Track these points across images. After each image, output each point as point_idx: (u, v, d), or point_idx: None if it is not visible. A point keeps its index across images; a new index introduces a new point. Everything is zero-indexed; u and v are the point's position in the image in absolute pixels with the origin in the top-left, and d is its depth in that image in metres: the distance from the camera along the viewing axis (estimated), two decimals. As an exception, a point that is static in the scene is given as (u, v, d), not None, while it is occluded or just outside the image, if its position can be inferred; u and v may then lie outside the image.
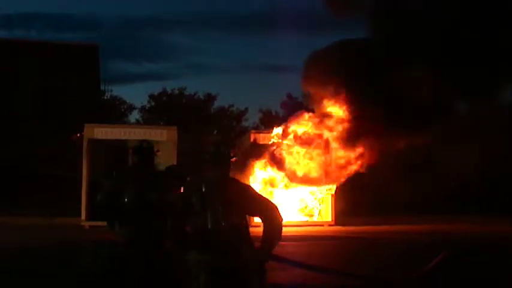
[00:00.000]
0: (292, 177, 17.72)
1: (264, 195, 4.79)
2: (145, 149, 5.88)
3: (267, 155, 18.02)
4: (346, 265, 8.79)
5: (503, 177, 23.15)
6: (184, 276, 4.75)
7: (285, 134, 18.28)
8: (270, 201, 4.71)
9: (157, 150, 6.15)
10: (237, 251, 4.46)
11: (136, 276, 5.33)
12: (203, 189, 4.51)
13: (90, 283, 7.38)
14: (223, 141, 21.81)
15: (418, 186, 23.25)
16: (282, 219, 4.56)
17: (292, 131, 18.15)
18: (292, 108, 24.92)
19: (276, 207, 4.63)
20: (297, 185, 18.10)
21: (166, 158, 14.62)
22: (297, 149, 17.87)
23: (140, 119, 41.91)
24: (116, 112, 40.30)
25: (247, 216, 4.61)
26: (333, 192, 18.55)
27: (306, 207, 19.03)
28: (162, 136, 17.53)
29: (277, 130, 18.83)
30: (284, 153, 17.88)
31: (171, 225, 4.81)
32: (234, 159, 4.81)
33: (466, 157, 22.01)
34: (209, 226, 4.42)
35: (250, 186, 4.82)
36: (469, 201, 22.25)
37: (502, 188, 22.82)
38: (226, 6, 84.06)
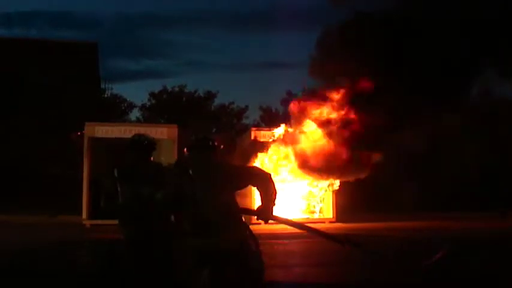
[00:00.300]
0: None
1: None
2: (138, 143, 5.79)
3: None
4: (346, 262, 8.77)
5: (504, 173, 23.18)
6: (185, 275, 4.78)
7: (299, 120, 18.13)
8: (253, 167, 5.05)
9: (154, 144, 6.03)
10: (231, 230, 4.57)
11: (136, 276, 5.29)
12: (190, 172, 4.63)
13: (90, 283, 7.37)
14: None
15: (421, 184, 23.34)
16: (269, 174, 4.73)
17: (312, 116, 17.95)
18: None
19: (259, 168, 4.97)
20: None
21: (166, 156, 14.64)
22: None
23: (141, 117, 41.99)
24: (117, 110, 40.33)
25: (238, 191, 4.74)
26: (337, 186, 18.52)
27: (309, 204, 19.02)
28: (163, 134, 17.56)
29: (280, 128, 18.87)
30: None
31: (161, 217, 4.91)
32: (222, 146, 4.93)
33: (471, 152, 22.06)
34: (201, 208, 4.53)
35: (232, 164, 4.96)
36: (472, 198, 22.23)
37: (503, 185, 22.82)
38: (226, 3, 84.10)
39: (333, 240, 5.44)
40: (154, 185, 5.22)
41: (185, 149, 4.72)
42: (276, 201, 4.73)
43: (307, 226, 5.35)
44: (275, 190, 4.69)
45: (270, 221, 4.76)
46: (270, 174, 4.74)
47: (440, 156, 23.04)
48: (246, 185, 4.76)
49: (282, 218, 4.99)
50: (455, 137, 20.21)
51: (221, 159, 4.84)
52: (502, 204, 20.67)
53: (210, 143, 4.74)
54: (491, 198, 21.86)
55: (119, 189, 5.59)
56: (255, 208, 4.77)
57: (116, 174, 5.78)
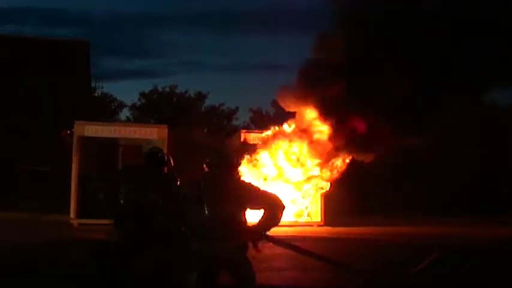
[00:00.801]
0: None
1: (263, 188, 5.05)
2: (153, 156, 5.76)
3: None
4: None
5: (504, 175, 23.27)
6: (181, 277, 4.82)
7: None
8: (269, 193, 4.97)
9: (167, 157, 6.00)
10: (230, 238, 4.66)
11: (130, 278, 5.24)
12: (201, 184, 4.77)
13: (83, 283, 7.31)
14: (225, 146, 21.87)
15: (416, 186, 23.36)
16: (284, 207, 4.87)
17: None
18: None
19: (275, 196, 4.92)
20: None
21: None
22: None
23: (131, 116, 41.89)
24: (107, 109, 40.21)
25: (246, 209, 4.84)
26: (327, 188, 18.46)
27: (302, 206, 18.94)
28: (153, 134, 17.57)
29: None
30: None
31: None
32: (238, 161, 5.11)
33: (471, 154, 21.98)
34: (205, 216, 4.63)
35: (250, 183, 5.08)
36: (472, 201, 22.21)
37: (502, 189, 22.88)
38: (219, 4, 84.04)
39: (323, 261, 5.49)
40: (159, 191, 5.22)
41: (204, 166, 4.82)
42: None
43: (300, 248, 5.41)
44: (279, 221, 4.87)
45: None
46: (284, 207, 4.88)
47: (440, 157, 23.11)
48: (257, 208, 4.85)
49: (276, 239, 5.08)
50: (456, 138, 20.25)
51: (238, 177, 5.02)
52: (502, 205, 20.71)
53: (230, 161, 4.90)
54: (492, 200, 21.88)
55: (121, 189, 5.55)
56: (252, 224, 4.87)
57: (123, 173, 5.71)
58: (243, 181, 5.06)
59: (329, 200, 18.84)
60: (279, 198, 4.89)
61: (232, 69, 74.65)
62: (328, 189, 18.55)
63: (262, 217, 4.79)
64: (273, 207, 4.79)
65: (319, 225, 18.27)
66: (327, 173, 18.32)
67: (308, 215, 18.99)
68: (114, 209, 5.52)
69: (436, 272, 7.64)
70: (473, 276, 8.57)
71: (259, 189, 4.97)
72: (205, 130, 37.50)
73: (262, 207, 4.81)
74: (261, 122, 34.06)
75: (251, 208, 4.84)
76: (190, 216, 4.75)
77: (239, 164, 5.13)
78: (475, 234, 15.70)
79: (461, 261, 9.73)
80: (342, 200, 19.30)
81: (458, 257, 10.19)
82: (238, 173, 5.01)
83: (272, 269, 8.52)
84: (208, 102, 43.07)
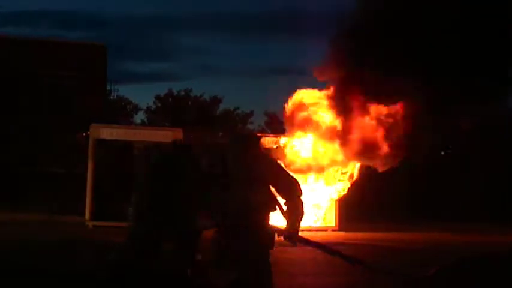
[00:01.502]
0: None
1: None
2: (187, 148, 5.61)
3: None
4: (349, 273, 8.70)
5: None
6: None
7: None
8: (290, 176, 4.55)
9: None
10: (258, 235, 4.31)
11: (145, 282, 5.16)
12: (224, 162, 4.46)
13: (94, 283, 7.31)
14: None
15: (427, 193, 23.20)
16: (301, 193, 4.40)
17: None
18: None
19: (295, 181, 4.47)
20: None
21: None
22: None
23: (145, 119, 42.02)
24: (122, 112, 40.40)
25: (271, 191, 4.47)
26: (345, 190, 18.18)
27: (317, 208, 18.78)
28: (168, 137, 17.58)
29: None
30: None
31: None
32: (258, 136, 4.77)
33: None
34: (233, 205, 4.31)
35: (273, 159, 4.77)
36: (480, 209, 22.02)
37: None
38: (234, 7, 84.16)
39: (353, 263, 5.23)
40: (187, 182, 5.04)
41: (227, 144, 4.58)
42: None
43: (337, 251, 4.99)
44: (303, 211, 4.43)
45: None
46: (302, 194, 4.44)
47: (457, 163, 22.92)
48: (275, 188, 4.44)
49: (309, 240, 4.62)
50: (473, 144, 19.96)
51: (260, 155, 4.61)
52: None
53: (249, 137, 4.68)
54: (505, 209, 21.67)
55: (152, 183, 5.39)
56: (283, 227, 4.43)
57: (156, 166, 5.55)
58: (266, 155, 4.72)
59: (344, 205, 18.74)
60: (298, 183, 4.45)
61: (248, 73, 74.66)
62: (345, 192, 18.31)
63: (287, 214, 4.35)
64: (292, 194, 4.37)
65: (333, 230, 18.17)
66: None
67: (323, 220, 18.87)
68: (144, 202, 5.35)
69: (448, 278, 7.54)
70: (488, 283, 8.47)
71: (282, 168, 4.57)
72: (220, 134, 37.52)
73: (281, 191, 4.39)
74: (275, 126, 34.01)
75: (272, 186, 4.38)
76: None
77: (259, 139, 4.74)
78: (492, 241, 15.54)
79: (476, 268, 9.61)
80: (356, 205, 19.23)
81: (473, 263, 10.07)
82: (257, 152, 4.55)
83: (284, 273, 8.44)
84: (223, 106, 43.16)
